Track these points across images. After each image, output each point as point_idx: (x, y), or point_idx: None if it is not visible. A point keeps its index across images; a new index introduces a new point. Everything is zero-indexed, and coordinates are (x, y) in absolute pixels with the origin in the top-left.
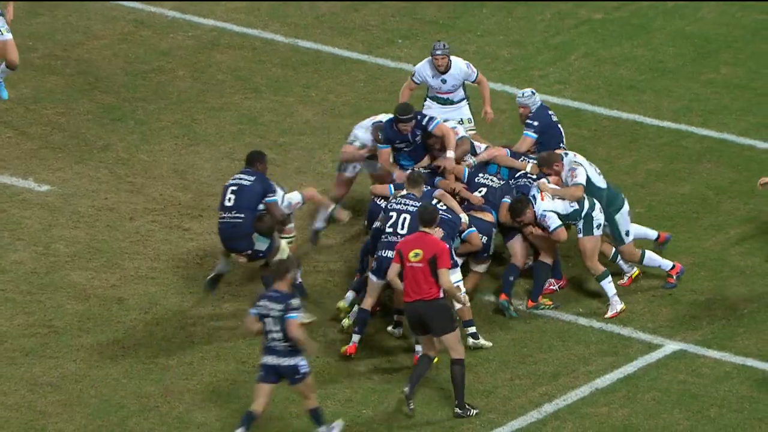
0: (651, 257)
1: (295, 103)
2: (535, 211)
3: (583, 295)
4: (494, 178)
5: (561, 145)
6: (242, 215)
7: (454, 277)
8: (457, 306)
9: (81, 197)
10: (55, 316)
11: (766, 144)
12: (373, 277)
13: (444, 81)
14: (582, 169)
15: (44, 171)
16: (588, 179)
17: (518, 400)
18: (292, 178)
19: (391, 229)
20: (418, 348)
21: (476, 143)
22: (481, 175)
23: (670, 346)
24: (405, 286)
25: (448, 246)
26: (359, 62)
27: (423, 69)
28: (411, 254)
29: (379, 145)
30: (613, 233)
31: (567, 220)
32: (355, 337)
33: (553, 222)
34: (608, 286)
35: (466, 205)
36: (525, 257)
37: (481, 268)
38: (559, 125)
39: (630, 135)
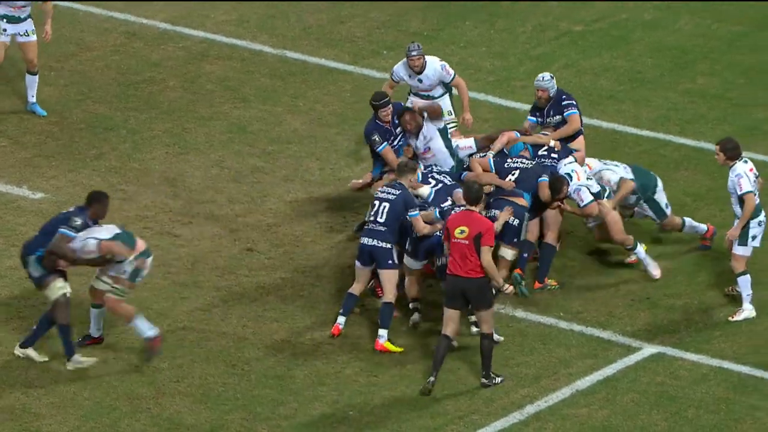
0: (690, 224)
1: (283, 113)
2: (568, 188)
3: (564, 299)
4: (525, 160)
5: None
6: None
7: None
8: None
9: (74, 204)
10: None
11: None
12: (358, 264)
13: (420, 81)
14: (585, 190)
15: (38, 179)
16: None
17: (501, 401)
18: (280, 186)
19: (372, 218)
20: (341, 320)
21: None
22: (510, 160)
23: (649, 349)
24: (450, 261)
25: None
26: (346, 73)
27: (399, 70)
28: (457, 231)
29: (378, 148)
30: (655, 212)
31: (597, 197)
32: (341, 319)
33: (587, 197)
34: (642, 253)
35: (497, 190)
36: (537, 234)
37: (509, 254)
38: None
39: (610, 143)
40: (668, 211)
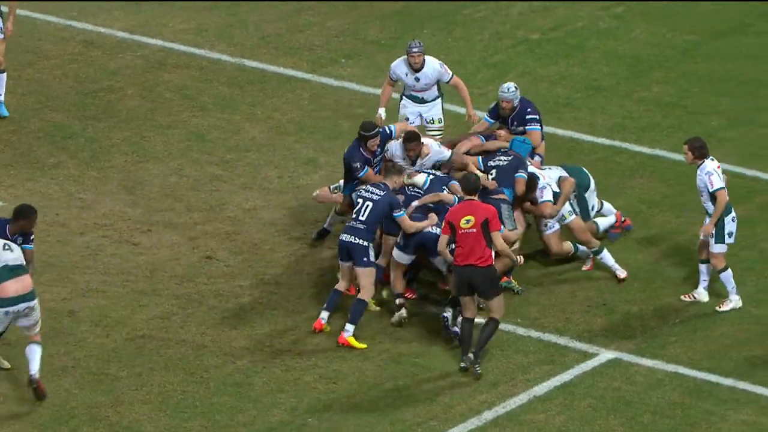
0: (602, 223)
1: (241, 121)
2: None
3: (522, 306)
4: (502, 157)
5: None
6: None
7: None
8: None
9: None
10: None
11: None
12: (339, 260)
13: (417, 79)
14: (548, 189)
15: None
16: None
17: (459, 407)
18: (238, 194)
19: (354, 215)
20: (324, 315)
21: (441, 147)
22: (492, 159)
23: (605, 355)
24: (457, 252)
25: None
26: (304, 81)
27: (398, 66)
28: (462, 221)
29: (359, 174)
30: (581, 210)
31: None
32: (324, 314)
33: (548, 195)
34: (607, 257)
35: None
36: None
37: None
38: None
39: (566, 151)
40: (591, 215)
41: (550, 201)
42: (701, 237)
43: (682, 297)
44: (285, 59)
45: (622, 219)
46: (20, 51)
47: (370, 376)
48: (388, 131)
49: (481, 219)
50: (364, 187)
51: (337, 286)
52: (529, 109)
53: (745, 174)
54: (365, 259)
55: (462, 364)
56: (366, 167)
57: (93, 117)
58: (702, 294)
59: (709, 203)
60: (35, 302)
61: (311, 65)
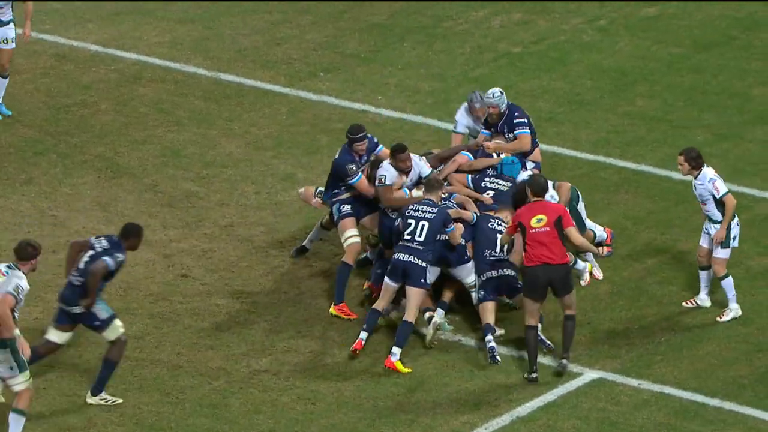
0: (598, 234)
1: (217, 136)
2: None
3: (504, 325)
4: (501, 181)
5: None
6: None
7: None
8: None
9: (3, 231)
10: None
11: (682, 175)
12: (388, 280)
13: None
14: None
15: None
16: None
17: (440, 428)
18: (215, 210)
19: (409, 236)
20: (363, 336)
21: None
22: (487, 179)
23: (590, 375)
24: (528, 252)
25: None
26: (281, 95)
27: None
28: (533, 221)
29: (353, 180)
30: (576, 223)
31: None
32: (363, 335)
33: None
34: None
35: (479, 205)
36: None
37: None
38: None
39: (549, 166)
40: (586, 225)
41: None
42: (705, 247)
43: (684, 303)
44: (262, 73)
45: (612, 236)
46: None
47: (348, 397)
48: (374, 141)
49: (554, 217)
50: (411, 206)
51: (375, 306)
52: (516, 113)
53: (731, 189)
54: (423, 280)
55: (533, 375)
56: (360, 173)
57: (65, 132)
58: (704, 300)
59: (714, 210)
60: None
61: (289, 79)
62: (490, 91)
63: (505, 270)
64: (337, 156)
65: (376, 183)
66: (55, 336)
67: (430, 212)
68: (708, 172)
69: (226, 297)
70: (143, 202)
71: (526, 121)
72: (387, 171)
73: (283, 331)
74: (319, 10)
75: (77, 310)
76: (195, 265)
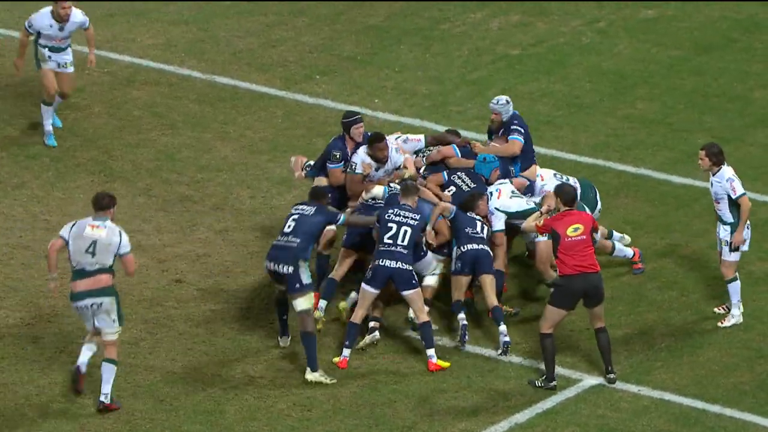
0: (620, 248)
1: (212, 140)
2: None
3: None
4: (467, 180)
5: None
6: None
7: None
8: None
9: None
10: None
11: (682, 179)
12: (367, 287)
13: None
14: (498, 215)
15: None
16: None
17: None
18: (209, 215)
19: (390, 241)
20: (346, 353)
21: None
22: (455, 175)
23: (589, 381)
24: (563, 261)
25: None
26: (277, 98)
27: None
28: (570, 230)
29: (332, 164)
30: None
31: (523, 218)
32: (346, 351)
33: (496, 223)
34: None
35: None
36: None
37: (433, 280)
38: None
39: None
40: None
41: (501, 231)
42: (734, 245)
43: (717, 309)
44: (257, 76)
45: (641, 256)
46: None
47: (345, 403)
48: (368, 135)
49: (589, 227)
50: (393, 211)
51: (353, 318)
52: (515, 121)
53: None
54: (413, 281)
55: (552, 383)
56: (342, 162)
57: (58, 136)
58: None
59: (726, 211)
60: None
61: (285, 82)
62: (496, 98)
63: (483, 246)
64: (330, 142)
65: (348, 169)
66: None
67: (412, 218)
68: (727, 170)
69: (221, 302)
70: (137, 207)
71: (522, 129)
72: (359, 159)
73: (277, 336)
74: (315, 12)
75: None
76: (189, 270)
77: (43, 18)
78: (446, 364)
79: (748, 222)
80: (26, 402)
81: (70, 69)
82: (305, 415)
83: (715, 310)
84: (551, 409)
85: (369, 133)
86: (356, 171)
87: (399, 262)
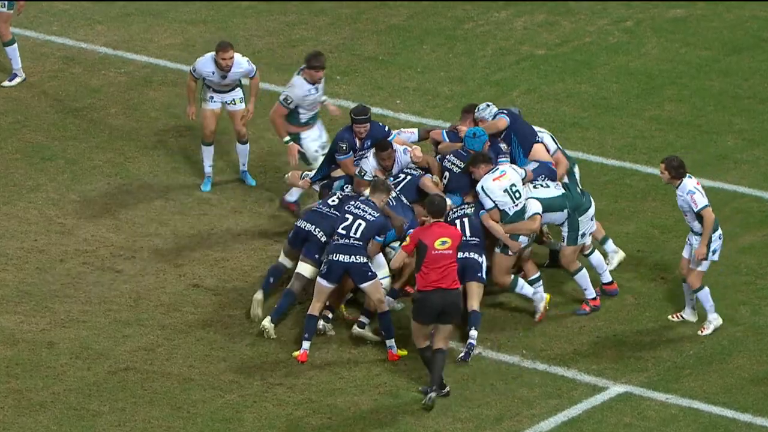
0: (585, 275)
1: (230, 141)
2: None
3: (527, 336)
4: (456, 161)
5: (536, 139)
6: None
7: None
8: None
9: (9, 239)
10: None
11: (711, 182)
12: (323, 281)
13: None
14: (535, 202)
15: None
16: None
17: None
18: (228, 218)
19: (344, 231)
20: (306, 345)
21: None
22: (446, 159)
23: (615, 389)
24: (426, 274)
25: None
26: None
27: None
28: (438, 242)
29: (340, 156)
30: (569, 232)
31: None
32: (306, 344)
33: (486, 203)
34: (526, 288)
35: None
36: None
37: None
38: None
39: None
40: (579, 242)
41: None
42: (686, 258)
43: (670, 317)
44: (277, 76)
45: (598, 306)
46: None
47: (366, 411)
48: (385, 130)
49: (456, 243)
50: (353, 203)
51: (311, 310)
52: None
53: (763, 197)
54: (369, 273)
55: (445, 390)
56: (350, 152)
57: (74, 137)
58: (689, 314)
59: (694, 222)
60: None
61: None
62: (478, 106)
63: (470, 254)
64: (338, 132)
65: (357, 173)
66: None
67: (370, 214)
68: (688, 183)
69: (239, 308)
70: (154, 210)
71: (505, 111)
72: (370, 166)
73: (298, 343)
74: (336, 12)
75: None
76: (207, 275)
77: (204, 65)
78: (403, 352)
79: (720, 232)
80: (41, 408)
81: (239, 105)
82: (325, 423)
83: (670, 317)
84: (576, 418)
85: (386, 126)
86: (365, 177)
87: (353, 256)
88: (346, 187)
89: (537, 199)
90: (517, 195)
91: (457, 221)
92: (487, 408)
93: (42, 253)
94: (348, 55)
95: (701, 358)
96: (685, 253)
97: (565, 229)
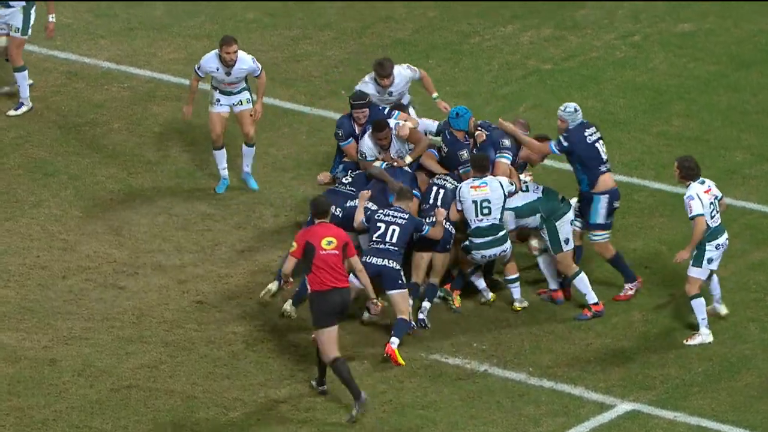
0: (584, 279)
1: (235, 157)
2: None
3: (534, 353)
4: (450, 179)
5: (602, 167)
6: None
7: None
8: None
9: (11, 255)
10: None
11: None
12: (355, 281)
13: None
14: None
15: None
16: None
17: None
18: (231, 234)
19: (379, 239)
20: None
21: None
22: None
23: (623, 407)
24: (319, 275)
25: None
26: (301, 114)
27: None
28: (324, 242)
29: (342, 143)
30: (551, 240)
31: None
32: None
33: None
34: (479, 280)
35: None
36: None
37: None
38: (598, 144)
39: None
40: (565, 248)
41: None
42: (675, 261)
43: (685, 341)
44: (281, 91)
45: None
46: None
47: (370, 429)
48: (384, 113)
49: (342, 242)
50: (382, 211)
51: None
52: (565, 134)
53: None
54: (400, 281)
55: (362, 397)
56: (350, 139)
57: (76, 153)
58: (718, 309)
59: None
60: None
61: (309, 97)
62: (564, 104)
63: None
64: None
65: (358, 156)
66: None
67: (400, 218)
68: (693, 188)
69: (243, 324)
70: (157, 226)
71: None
72: (366, 147)
73: (302, 360)
74: (341, 26)
75: None
76: (211, 291)
77: (209, 61)
78: (401, 360)
79: (720, 242)
80: (42, 427)
81: (246, 106)
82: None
83: (685, 342)
84: None
85: (386, 108)
86: (368, 158)
87: (387, 260)
88: (352, 173)
89: (510, 209)
90: (485, 212)
91: (434, 188)
92: (493, 426)
93: (44, 270)
94: (353, 70)
95: (710, 375)
96: (677, 261)
97: (546, 239)
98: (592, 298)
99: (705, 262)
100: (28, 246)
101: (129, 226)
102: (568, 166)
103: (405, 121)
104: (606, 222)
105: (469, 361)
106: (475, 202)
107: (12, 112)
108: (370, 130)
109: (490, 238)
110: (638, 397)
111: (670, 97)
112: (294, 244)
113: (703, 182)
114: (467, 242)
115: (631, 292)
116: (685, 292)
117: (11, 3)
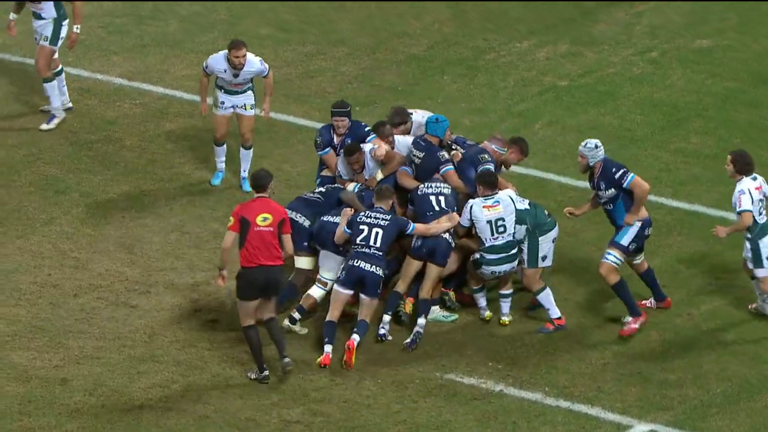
0: (548, 295)
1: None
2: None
3: (550, 373)
4: (417, 151)
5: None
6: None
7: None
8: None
9: (22, 273)
10: None
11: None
12: (340, 288)
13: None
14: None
15: None
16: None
17: None
18: None
19: (363, 242)
20: (328, 348)
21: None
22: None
23: (640, 427)
24: (249, 250)
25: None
26: (316, 130)
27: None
28: (259, 218)
29: (320, 151)
30: (528, 253)
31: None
32: (328, 348)
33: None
34: (480, 297)
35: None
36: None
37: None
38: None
39: None
40: (541, 264)
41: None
42: (743, 258)
43: (751, 307)
44: (295, 107)
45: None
46: (11, 100)
47: None
48: (366, 129)
49: (278, 219)
50: (364, 213)
51: (330, 317)
52: (614, 168)
53: None
54: (378, 290)
55: (264, 373)
56: (328, 148)
57: (88, 170)
58: (763, 307)
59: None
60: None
61: (323, 113)
62: (584, 141)
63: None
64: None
65: (337, 172)
66: None
67: (383, 219)
68: (745, 183)
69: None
70: (169, 244)
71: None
72: (341, 167)
73: (315, 379)
74: (355, 42)
75: None
76: (223, 310)
77: (217, 61)
78: (352, 363)
79: (758, 240)
80: None
81: (250, 112)
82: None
83: (750, 307)
84: None
85: (366, 126)
86: (343, 177)
87: (373, 266)
88: (329, 187)
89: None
90: (500, 230)
91: (432, 197)
92: None
93: (55, 288)
94: (367, 86)
95: (728, 396)
96: (744, 253)
97: (525, 251)
98: (555, 313)
99: (764, 260)
100: (39, 264)
101: (141, 244)
102: (544, 174)
103: (378, 146)
104: (627, 246)
105: (484, 381)
106: (489, 222)
107: (45, 126)
108: (342, 154)
109: (503, 255)
110: (656, 417)
111: (687, 114)
112: (231, 218)
113: (755, 178)
114: (478, 256)
115: (635, 326)
116: (762, 291)
117: (43, 15)
